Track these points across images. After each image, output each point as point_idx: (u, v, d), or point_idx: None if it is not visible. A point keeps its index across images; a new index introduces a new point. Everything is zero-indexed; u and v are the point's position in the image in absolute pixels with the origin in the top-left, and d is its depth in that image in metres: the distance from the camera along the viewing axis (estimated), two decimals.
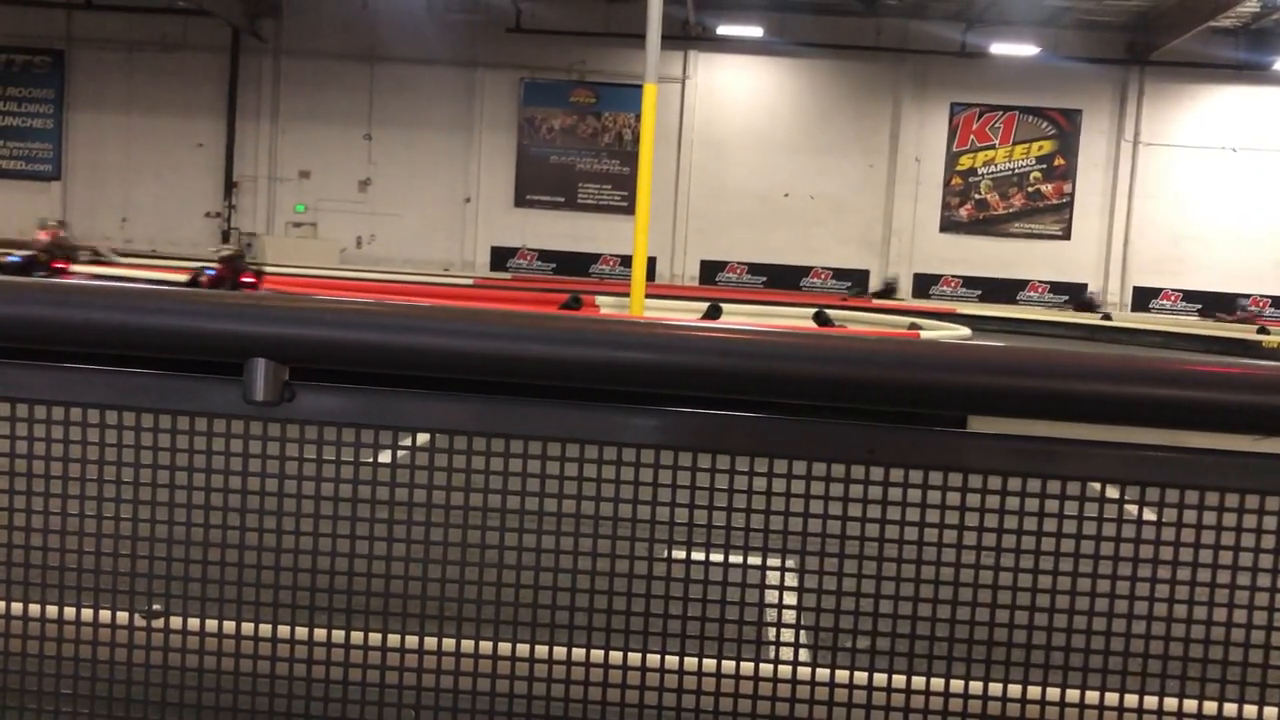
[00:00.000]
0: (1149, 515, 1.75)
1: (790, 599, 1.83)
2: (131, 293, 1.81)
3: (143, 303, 1.77)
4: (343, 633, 1.82)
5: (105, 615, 1.83)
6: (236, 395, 1.74)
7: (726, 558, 1.79)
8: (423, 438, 1.83)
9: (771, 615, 1.82)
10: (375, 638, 1.81)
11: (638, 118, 21.78)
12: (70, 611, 1.84)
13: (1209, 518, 1.71)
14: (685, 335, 1.75)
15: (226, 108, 31.42)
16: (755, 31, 29.44)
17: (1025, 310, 27.93)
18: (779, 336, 1.76)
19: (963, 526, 1.74)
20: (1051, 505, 1.73)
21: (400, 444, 1.84)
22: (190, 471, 1.80)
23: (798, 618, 1.82)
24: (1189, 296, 30.37)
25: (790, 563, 1.83)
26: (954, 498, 1.74)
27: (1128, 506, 1.78)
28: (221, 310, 1.76)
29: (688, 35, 29.04)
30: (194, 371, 1.79)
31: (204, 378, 1.78)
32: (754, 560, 1.79)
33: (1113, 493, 1.79)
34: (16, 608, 1.82)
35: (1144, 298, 30.55)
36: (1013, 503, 1.74)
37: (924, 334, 17.38)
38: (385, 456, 1.87)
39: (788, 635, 1.79)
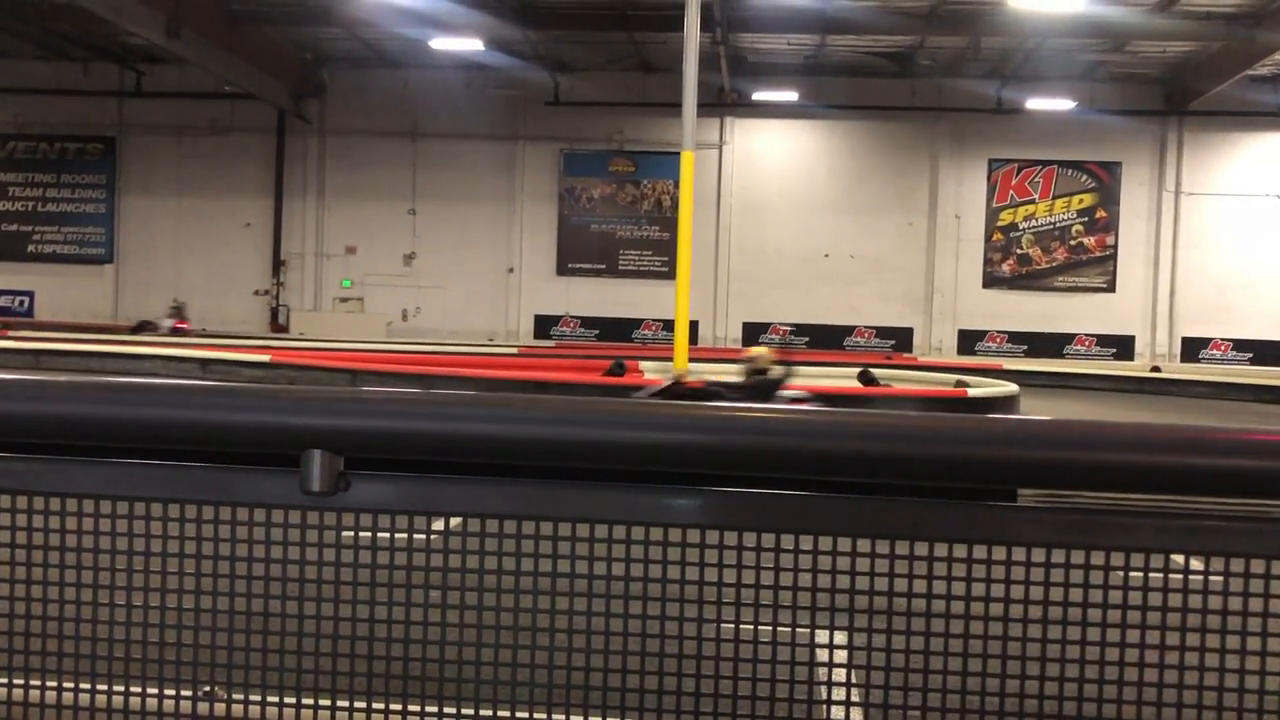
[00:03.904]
0: (1197, 583, 1.75)
1: (839, 675, 1.84)
2: (189, 389, 1.87)
3: (201, 399, 1.83)
4: (400, 716, 1.85)
5: (169, 703, 1.87)
6: (293, 486, 1.78)
7: (775, 632, 1.81)
8: (457, 519, 1.87)
9: (824, 684, 1.83)
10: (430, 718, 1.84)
11: (676, 184, 22.01)
12: (135, 700, 1.88)
13: (1258, 585, 1.71)
14: (725, 416, 1.78)
15: (274, 187, 32.09)
16: (790, 96, 29.69)
17: (1072, 364, 27.68)
18: (820, 415, 1.79)
19: (1009, 599, 1.75)
20: (1104, 576, 1.74)
21: (445, 527, 1.88)
22: (250, 561, 1.85)
23: (847, 694, 1.83)
24: (1239, 345, 29.99)
25: (840, 638, 1.84)
26: (1004, 570, 1.75)
27: (1179, 575, 1.78)
28: (278, 404, 1.81)
29: (724, 102, 29.35)
30: (249, 464, 1.85)
31: (260, 470, 1.83)
32: (803, 633, 1.81)
33: (1166, 558, 1.79)
34: (84, 697, 1.87)
35: (1193, 348, 30.20)
36: (1063, 575, 1.74)
37: (971, 391, 17.27)
38: (436, 538, 1.91)
39: (838, 712, 1.80)
